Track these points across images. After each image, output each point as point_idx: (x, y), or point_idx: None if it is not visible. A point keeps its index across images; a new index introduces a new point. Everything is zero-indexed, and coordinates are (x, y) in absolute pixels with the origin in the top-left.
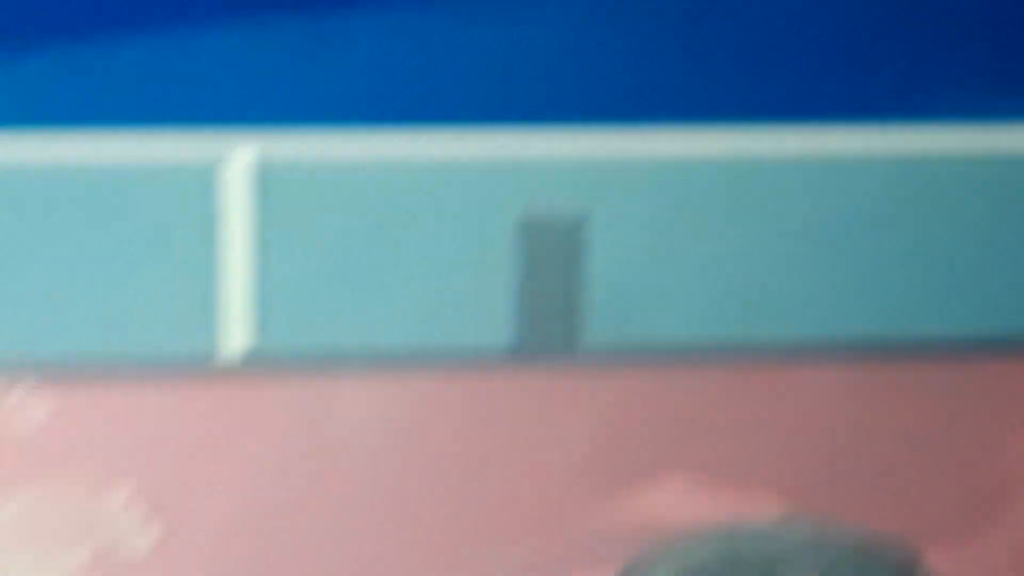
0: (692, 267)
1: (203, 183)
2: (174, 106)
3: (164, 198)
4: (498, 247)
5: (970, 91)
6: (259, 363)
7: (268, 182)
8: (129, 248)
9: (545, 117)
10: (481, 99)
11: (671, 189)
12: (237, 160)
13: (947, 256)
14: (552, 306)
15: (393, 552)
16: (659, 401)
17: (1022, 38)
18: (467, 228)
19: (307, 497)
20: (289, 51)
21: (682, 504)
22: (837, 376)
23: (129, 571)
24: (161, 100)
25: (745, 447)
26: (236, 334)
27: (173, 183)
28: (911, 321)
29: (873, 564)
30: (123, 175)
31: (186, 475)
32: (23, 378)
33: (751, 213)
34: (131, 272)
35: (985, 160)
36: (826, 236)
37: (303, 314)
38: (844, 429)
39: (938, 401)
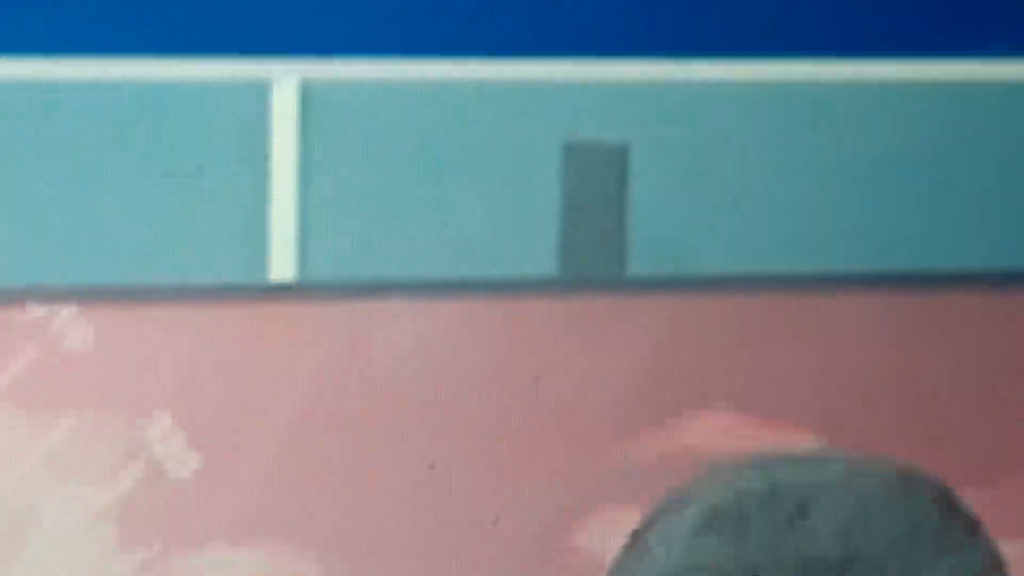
0: (736, 196)
1: (249, 105)
2: (222, 36)
3: (212, 121)
4: (543, 171)
5: (1004, 26)
6: (304, 288)
7: (313, 106)
8: (176, 171)
9: (590, 47)
10: (526, 30)
11: (716, 116)
12: (283, 84)
13: (992, 186)
14: (597, 232)
15: (435, 477)
16: (703, 331)
17: None
18: (512, 152)
19: (350, 423)
20: None
21: (725, 436)
22: (883, 309)
23: (175, 494)
24: (211, 29)
25: (787, 379)
26: (281, 258)
27: (221, 106)
28: (956, 252)
29: (910, 497)
30: (171, 98)
31: (230, 400)
32: (67, 303)
33: (796, 141)
34: (177, 195)
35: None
36: (874, 165)
37: (347, 239)
38: (889, 363)
39: (982, 335)
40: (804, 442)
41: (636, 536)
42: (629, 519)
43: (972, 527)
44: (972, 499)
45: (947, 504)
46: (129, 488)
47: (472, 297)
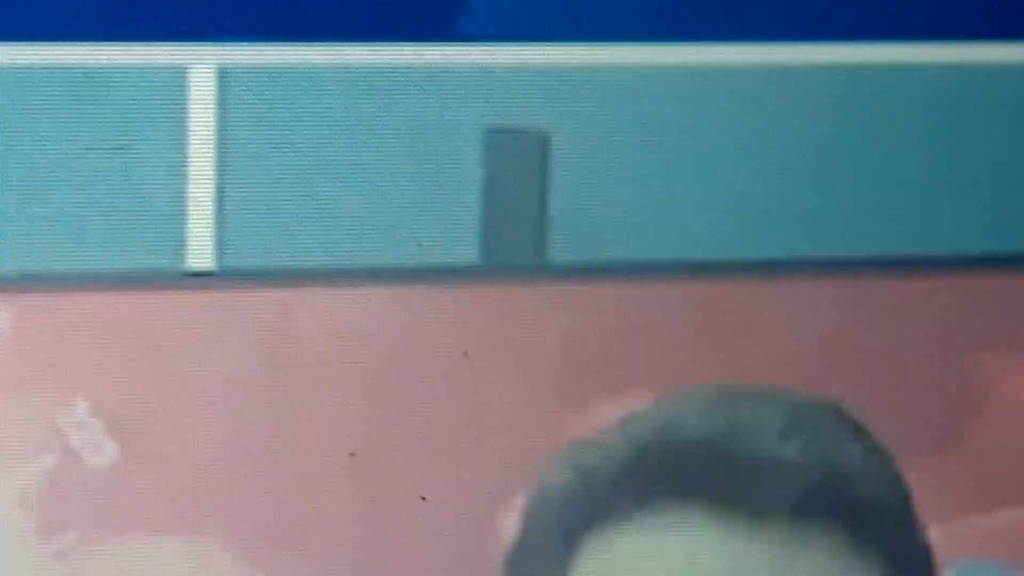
0: (660, 182)
1: (167, 91)
2: (136, 22)
3: (128, 107)
4: (464, 157)
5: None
6: (223, 276)
7: (230, 90)
8: (91, 158)
9: (510, 32)
10: (445, 14)
11: (639, 103)
12: (199, 68)
13: (919, 170)
14: (518, 217)
15: (357, 464)
16: (626, 316)
17: None
18: (433, 138)
19: (272, 411)
20: None
21: None
22: (805, 292)
23: (92, 483)
24: (124, 15)
25: (712, 363)
26: (200, 245)
27: (137, 92)
28: (881, 237)
29: (839, 421)
30: (85, 83)
31: (149, 389)
32: None
33: (717, 128)
34: (93, 182)
35: (978, 72)
36: (796, 151)
37: (266, 225)
38: (812, 345)
39: (912, 317)
40: None
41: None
42: None
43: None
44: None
45: (857, 429)
46: (45, 477)
47: (393, 283)
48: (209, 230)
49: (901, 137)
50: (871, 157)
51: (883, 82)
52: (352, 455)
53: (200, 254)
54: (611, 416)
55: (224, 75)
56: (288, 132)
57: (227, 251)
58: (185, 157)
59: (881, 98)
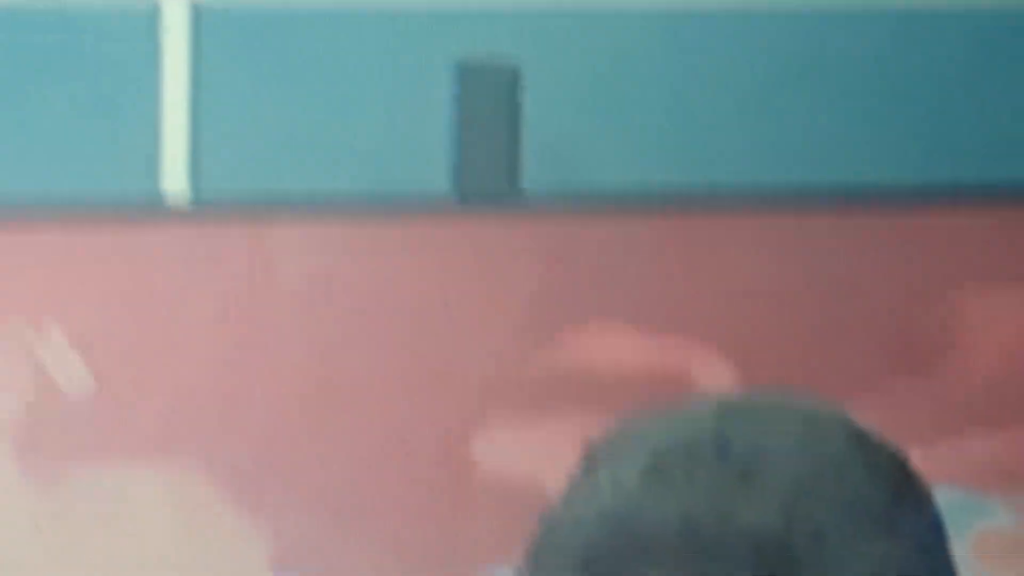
0: (630, 116)
1: (143, 28)
2: None
3: (104, 42)
4: (437, 93)
5: None
6: (197, 208)
7: (205, 27)
8: (68, 90)
9: None
10: None
11: (611, 37)
12: (173, 7)
13: (883, 101)
14: (491, 151)
15: (330, 400)
16: (599, 249)
17: None
18: (405, 73)
19: (248, 342)
20: None
21: (621, 349)
22: (778, 226)
23: (69, 413)
24: None
25: (683, 297)
26: (175, 179)
27: (113, 27)
28: (855, 169)
29: (864, 467)
30: (60, 21)
31: (123, 319)
32: None
33: (686, 61)
34: (70, 114)
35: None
36: (762, 85)
37: (241, 160)
38: (783, 280)
39: (877, 252)
40: (699, 356)
41: (589, 465)
42: (527, 434)
43: (921, 499)
44: (866, 412)
45: (901, 474)
46: (24, 403)
47: (369, 216)
48: (183, 162)
49: (868, 73)
50: (840, 92)
51: (830, 18)
52: (322, 389)
53: (174, 187)
54: (580, 352)
55: (197, 11)
56: (260, 69)
57: (201, 185)
58: (159, 92)
59: (842, 37)
